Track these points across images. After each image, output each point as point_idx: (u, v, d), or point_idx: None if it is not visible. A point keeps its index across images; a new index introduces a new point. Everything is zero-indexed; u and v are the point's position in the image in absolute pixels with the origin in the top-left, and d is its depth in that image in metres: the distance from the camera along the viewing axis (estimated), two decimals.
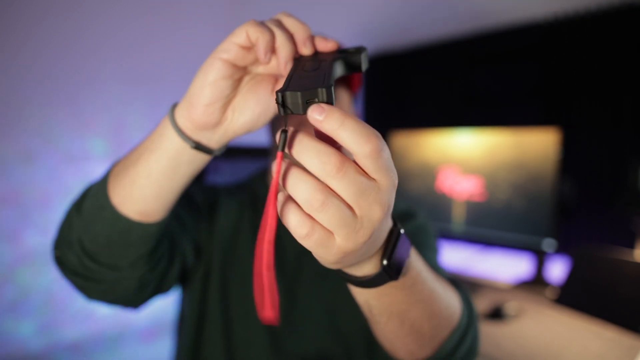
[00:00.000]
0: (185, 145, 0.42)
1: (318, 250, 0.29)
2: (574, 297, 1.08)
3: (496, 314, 1.04)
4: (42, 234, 1.66)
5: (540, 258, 1.30)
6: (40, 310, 1.65)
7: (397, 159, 1.61)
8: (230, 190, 0.78)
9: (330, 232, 0.29)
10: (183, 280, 0.68)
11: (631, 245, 1.26)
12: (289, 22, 0.38)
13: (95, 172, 1.74)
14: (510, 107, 1.74)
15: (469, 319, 0.50)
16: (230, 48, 0.37)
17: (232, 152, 1.06)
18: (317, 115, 0.27)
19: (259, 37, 0.36)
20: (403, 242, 0.37)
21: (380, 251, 0.36)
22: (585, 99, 1.51)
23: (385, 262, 0.35)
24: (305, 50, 0.39)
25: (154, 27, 1.95)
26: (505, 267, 1.47)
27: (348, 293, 0.69)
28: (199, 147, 0.42)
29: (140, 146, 0.44)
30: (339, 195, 0.28)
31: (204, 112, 0.39)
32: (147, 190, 0.44)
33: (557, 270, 1.37)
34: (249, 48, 0.38)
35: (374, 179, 0.28)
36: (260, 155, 1.09)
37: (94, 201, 0.46)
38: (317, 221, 0.28)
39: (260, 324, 0.67)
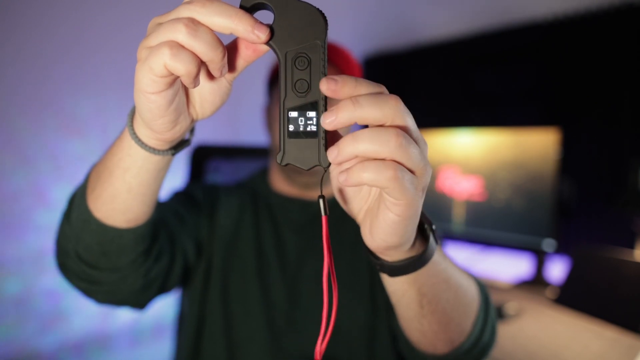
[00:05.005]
0: (165, 156, 0.40)
1: (399, 185, 0.30)
2: (574, 297, 1.08)
3: (496, 314, 1.04)
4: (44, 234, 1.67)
5: (540, 258, 1.30)
6: (42, 309, 1.66)
7: None
8: (230, 189, 0.78)
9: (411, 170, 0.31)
10: (185, 279, 0.68)
11: (631, 245, 1.26)
12: (211, 20, 0.29)
13: None
14: (510, 107, 1.74)
15: (484, 295, 0.52)
16: (153, 81, 0.30)
17: (232, 152, 1.06)
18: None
19: (178, 70, 0.29)
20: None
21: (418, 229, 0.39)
22: (585, 99, 1.51)
23: (433, 226, 0.39)
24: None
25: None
26: (505, 267, 1.47)
27: (349, 292, 0.69)
28: (177, 148, 0.41)
29: (108, 161, 0.41)
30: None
31: (168, 128, 0.35)
32: (130, 202, 0.43)
33: (557, 270, 1.37)
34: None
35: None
36: (260, 155, 1.09)
37: (78, 213, 0.45)
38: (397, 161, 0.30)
39: (261, 323, 0.67)
